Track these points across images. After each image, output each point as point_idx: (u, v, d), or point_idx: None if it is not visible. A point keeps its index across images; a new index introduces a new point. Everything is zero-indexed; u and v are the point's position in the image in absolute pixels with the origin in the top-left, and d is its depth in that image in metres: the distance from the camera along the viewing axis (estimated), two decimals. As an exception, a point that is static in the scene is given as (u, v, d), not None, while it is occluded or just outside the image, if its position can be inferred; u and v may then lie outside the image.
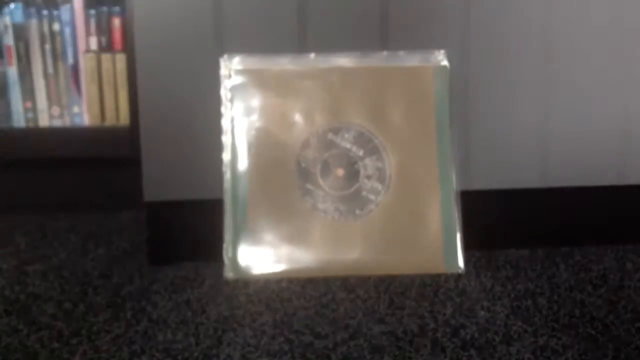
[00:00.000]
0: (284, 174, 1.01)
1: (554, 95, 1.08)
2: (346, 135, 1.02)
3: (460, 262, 1.00)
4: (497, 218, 1.10)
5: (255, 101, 1.02)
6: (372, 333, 0.83)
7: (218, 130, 1.03)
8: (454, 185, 1.02)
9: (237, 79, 1.02)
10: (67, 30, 1.34)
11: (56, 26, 1.34)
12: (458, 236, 1.01)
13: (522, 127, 1.08)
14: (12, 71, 1.35)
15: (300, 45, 1.04)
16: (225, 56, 1.03)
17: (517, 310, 0.88)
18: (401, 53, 1.04)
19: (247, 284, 0.97)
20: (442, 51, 1.04)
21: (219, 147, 1.03)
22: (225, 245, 1.00)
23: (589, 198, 1.11)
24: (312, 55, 1.04)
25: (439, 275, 0.99)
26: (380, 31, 1.05)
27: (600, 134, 1.09)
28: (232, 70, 1.02)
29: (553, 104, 1.08)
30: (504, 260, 1.05)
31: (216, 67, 1.03)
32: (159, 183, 1.05)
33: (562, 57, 1.08)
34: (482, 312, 0.88)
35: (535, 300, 0.91)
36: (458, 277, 0.99)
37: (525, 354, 0.78)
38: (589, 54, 1.08)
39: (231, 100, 1.02)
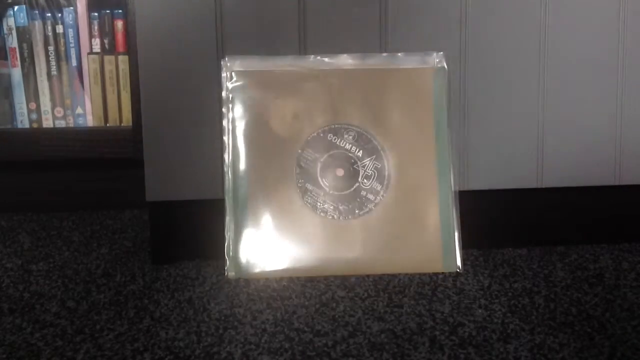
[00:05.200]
0: (285, 174, 1.01)
1: (550, 97, 1.09)
2: (346, 136, 1.02)
3: (459, 262, 1.01)
4: (494, 218, 1.10)
5: (256, 102, 1.03)
6: (371, 331, 0.83)
7: (219, 131, 1.04)
8: (452, 185, 1.03)
9: (238, 80, 1.03)
10: (71, 32, 1.35)
11: (60, 28, 1.35)
12: (456, 236, 1.01)
13: (518, 128, 1.08)
14: (16, 72, 1.36)
15: (300, 46, 1.05)
16: (226, 58, 1.03)
17: (514, 309, 0.89)
18: (400, 55, 1.05)
19: (248, 282, 0.98)
20: (441, 53, 1.05)
21: (220, 147, 1.04)
22: (226, 245, 1.01)
23: (585, 198, 1.12)
24: (312, 56, 1.04)
25: (437, 274, 0.99)
26: (380, 33, 1.06)
27: (596, 135, 1.10)
28: (233, 71, 1.03)
29: (549, 105, 1.09)
30: (501, 259, 1.05)
31: (217, 69, 1.04)
32: (161, 183, 1.05)
33: (559, 58, 1.08)
34: (480, 311, 0.88)
35: (532, 298, 0.92)
36: (456, 276, 0.99)
37: (522, 352, 0.78)
38: (585, 56, 1.09)
39: (232, 101, 1.03)
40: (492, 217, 1.10)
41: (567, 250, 1.09)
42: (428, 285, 0.96)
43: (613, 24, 1.08)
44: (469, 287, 0.95)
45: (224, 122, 1.03)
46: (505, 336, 0.81)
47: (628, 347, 0.79)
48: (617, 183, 1.10)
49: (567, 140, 1.09)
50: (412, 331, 0.83)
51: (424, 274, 0.99)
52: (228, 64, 1.03)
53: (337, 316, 0.87)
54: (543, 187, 1.10)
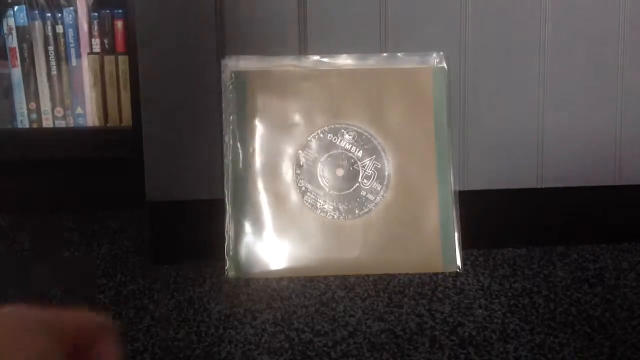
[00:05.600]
0: (285, 174, 1.01)
1: (549, 96, 1.09)
2: (346, 136, 1.02)
3: (458, 262, 1.01)
4: (494, 218, 1.10)
5: (256, 102, 1.02)
6: (371, 331, 0.83)
7: (219, 131, 1.04)
8: (452, 185, 1.02)
9: (238, 80, 1.03)
10: (71, 32, 1.35)
11: (60, 28, 1.35)
12: (456, 236, 1.01)
13: (518, 128, 1.08)
14: (16, 72, 1.35)
15: (300, 47, 1.05)
16: (227, 57, 1.03)
17: (514, 309, 0.89)
18: (400, 55, 1.05)
19: (248, 282, 0.98)
20: (441, 53, 1.05)
21: (220, 147, 1.04)
22: (226, 245, 1.01)
23: (584, 198, 1.12)
24: (312, 56, 1.04)
25: (437, 274, 0.99)
26: (379, 33, 1.06)
27: (596, 135, 1.10)
28: (233, 71, 1.03)
29: (549, 105, 1.09)
30: (501, 259, 1.05)
31: (217, 69, 1.04)
32: (160, 183, 1.05)
33: (558, 58, 1.08)
34: (480, 311, 0.88)
35: (532, 298, 0.92)
36: (456, 275, 0.99)
37: (522, 352, 0.78)
38: (584, 55, 1.08)
39: (232, 101, 1.03)
40: (492, 217, 1.10)
41: (567, 250, 1.09)
42: (428, 285, 0.96)
43: (613, 24, 1.08)
44: (469, 287, 0.95)
45: (224, 122, 1.03)
46: (505, 336, 0.81)
47: (628, 347, 0.79)
48: (617, 183, 1.10)
49: (567, 141, 1.09)
50: (412, 331, 0.83)
51: (424, 274, 0.99)
52: (228, 64, 1.03)
53: (337, 316, 0.87)
54: (543, 187, 1.10)
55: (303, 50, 1.05)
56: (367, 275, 0.99)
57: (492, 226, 1.10)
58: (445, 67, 1.04)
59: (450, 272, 1.00)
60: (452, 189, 1.02)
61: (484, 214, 1.09)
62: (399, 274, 0.99)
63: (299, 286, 0.96)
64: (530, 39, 1.07)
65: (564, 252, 1.08)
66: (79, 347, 0.39)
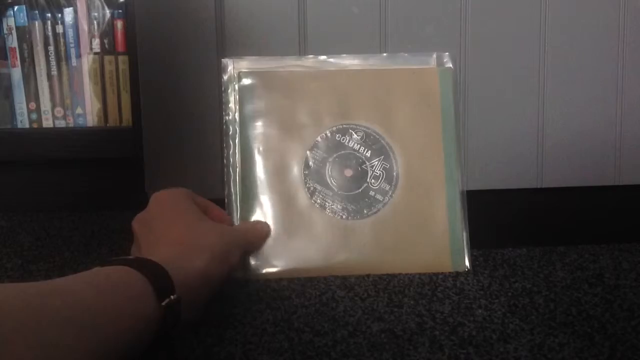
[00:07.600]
0: (293, 174, 1.01)
1: (550, 97, 1.09)
2: (354, 136, 1.02)
3: (467, 261, 1.00)
4: (494, 218, 1.10)
5: (262, 102, 1.02)
6: (371, 331, 0.83)
7: (219, 131, 1.04)
8: (460, 185, 1.02)
9: (242, 80, 1.03)
10: (71, 32, 1.35)
11: (60, 28, 1.35)
12: (464, 235, 1.01)
13: (518, 128, 1.08)
14: (16, 72, 1.36)
15: (300, 46, 1.05)
16: (227, 57, 1.03)
17: (514, 309, 0.88)
18: (406, 55, 1.05)
19: (248, 283, 0.98)
20: (447, 53, 1.05)
21: (220, 147, 1.04)
22: (228, 245, 1.00)
23: (585, 198, 1.12)
24: (318, 57, 1.04)
25: (436, 274, 0.99)
26: (380, 33, 1.06)
27: (596, 135, 1.10)
28: (236, 71, 1.03)
29: (549, 105, 1.09)
30: (501, 259, 1.05)
31: (219, 69, 1.04)
32: (161, 183, 1.05)
33: (558, 58, 1.08)
34: (480, 311, 0.88)
35: (532, 298, 0.92)
36: (456, 275, 0.99)
37: (522, 352, 0.78)
38: (585, 56, 1.09)
39: (236, 102, 1.02)
40: (492, 217, 1.10)
41: (567, 250, 1.09)
42: (428, 285, 0.96)
43: (613, 25, 1.08)
44: (469, 287, 0.95)
45: (226, 123, 1.03)
46: (505, 336, 0.81)
47: (628, 347, 0.79)
48: (617, 183, 1.10)
49: (567, 141, 1.09)
50: (412, 331, 0.83)
51: (424, 274, 0.99)
52: (229, 64, 1.03)
53: (337, 316, 0.87)
54: (543, 187, 1.10)
55: (303, 50, 1.05)
56: (367, 275, 0.99)
57: (492, 226, 1.10)
58: (452, 67, 1.04)
59: (450, 272, 1.00)
60: (460, 189, 1.02)
61: (484, 214, 1.09)
62: (400, 273, 0.99)
63: (299, 286, 0.96)
64: (531, 40, 1.07)
65: (564, 252, 1.08)
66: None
